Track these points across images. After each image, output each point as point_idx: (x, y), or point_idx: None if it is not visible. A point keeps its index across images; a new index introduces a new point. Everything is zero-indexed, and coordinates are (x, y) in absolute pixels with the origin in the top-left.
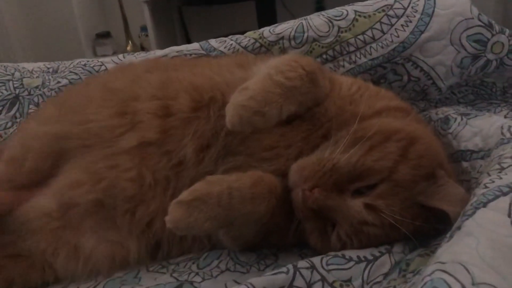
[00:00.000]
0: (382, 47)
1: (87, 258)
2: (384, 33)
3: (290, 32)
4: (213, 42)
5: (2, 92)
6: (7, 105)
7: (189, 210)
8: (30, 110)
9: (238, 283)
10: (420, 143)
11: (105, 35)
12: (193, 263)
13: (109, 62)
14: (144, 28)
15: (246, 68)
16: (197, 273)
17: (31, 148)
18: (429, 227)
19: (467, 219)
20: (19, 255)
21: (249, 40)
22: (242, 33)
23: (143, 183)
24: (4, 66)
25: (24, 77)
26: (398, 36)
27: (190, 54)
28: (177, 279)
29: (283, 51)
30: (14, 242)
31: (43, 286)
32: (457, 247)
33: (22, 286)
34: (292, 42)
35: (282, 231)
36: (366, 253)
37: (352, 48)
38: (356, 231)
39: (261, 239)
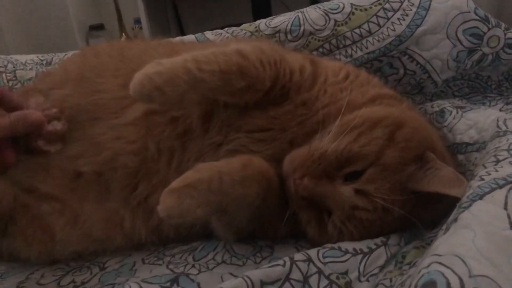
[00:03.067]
0: (378, 41)
1: (83, 223)
2: (380, 27)
3: (287, 26)
4: (209, 34)
5: None
6: None
7: (181, 197)
8: None
9: (235, 276)
10: (408, 126)
11: (99, 27)
12: (189, 254)
13: None
14: (138, 21)
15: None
16: (193, 265)
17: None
18: (425, 213)
19: (463, 211)
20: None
21: (245, 33)
22: (237, 25)
23: (146, 156)
24: None
25: (17, 69)
26: (394, 30)
27: None
28: (173, 271)
29: (279, 44)
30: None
31: (39, 268)
32: (454, 240)
33: (22, 244)
34: (289, 36)
35: (276, 220)
36: (362, 245)
37: (348, 42)
38: (349, 217)
39: (255, 229)
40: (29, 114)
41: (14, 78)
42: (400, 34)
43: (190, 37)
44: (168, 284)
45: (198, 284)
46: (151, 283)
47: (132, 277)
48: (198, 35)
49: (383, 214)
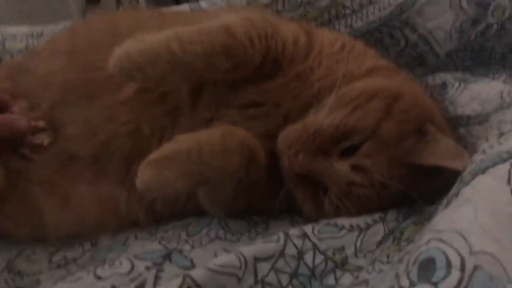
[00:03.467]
0: (379, 10)
1: (76, 207)
2: None
3: None
4: (203, 3)
5: None
6: None
7: (159, 169)
8: None
9: (228, 252)
10: (406, 98)
11: (95, 0)
12: (182, 230)
13: None
14: None
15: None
16: (186, 241)
17: (39, 97)
18: (424, 187)
19: (464, 186)
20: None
21: (241, 2)
22: None
23: (140, 136)
24: None
25: (7, 41)
26: None
27: None
28: (166, 247)
29: (276, 14)
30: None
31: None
32: (454, 215)
33: (11, 225)
34: (286, 5)
35: (271, 197)
36: (359, 221)
37: (348, 11)
38: (345, 193)
39: (246, 204)
40: (15, 120)
41: (3, 50)
42: (402, 3)
43: (184, 7)
44: (160, 260)
45: (191, 260)
46: (143, 259)
47: (124, 253)
48: (192, 4)
49: (381, 189)
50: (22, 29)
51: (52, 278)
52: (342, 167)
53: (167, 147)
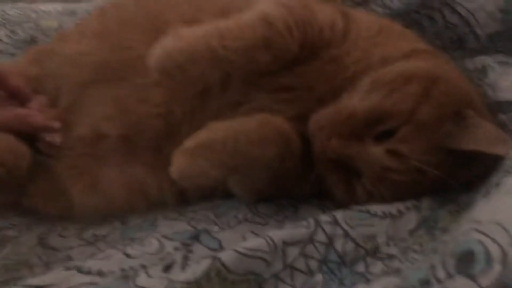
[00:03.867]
0: None
1: (104, 189)
2: None
3: None
4: None
5: (18, 34)
6: (23, 47)
7: (194, 158)
8: None
9: (256, 234)
10: (444, 81)
11: None
12: (211, 211)
13: None
14: None
15: None
16: (214, 222)
17: (65, 76)
18: (462, 174)
19: (506, 175)
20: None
21: None
22: None
23: (171, 118)
24: (21, 8)
25: (41, 19)
26: None
27: None
28: (195, 228)
29: None
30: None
31: (61, 221)
32: (495, 206)
33: (41, 203)
34: None
35: (300, 181)
36: (391, 208)
37: None
38: (380, 179)
39: (276, 189)
40: (31, 116)
41: (37, 28)
42: None
43: None
44: (189, 241)
45: (219, 242)
46: (172, 239)
47: (153, 232)
48: None
49: (417, 175)
50: (56, 7)
51: (83, 254)
52: (377, 151)
53: (202, 135)
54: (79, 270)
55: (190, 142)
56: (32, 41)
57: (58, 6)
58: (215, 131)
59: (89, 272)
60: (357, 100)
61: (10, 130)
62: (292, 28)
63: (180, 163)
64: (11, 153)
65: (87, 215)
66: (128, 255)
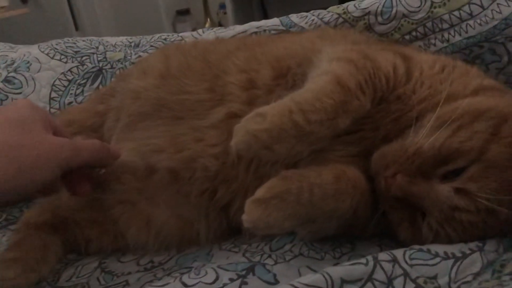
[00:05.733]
0: (480, 24)
1: (158, 232)
2: (484, 9)
3: (377, 7)
4: (294, 17)
5: (87, 65)
6: (91, 77)
7: (268, 209)
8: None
9: (312, 270)
10: None
11: (185, 12)
12: (266, 244)
13: (189, 37)
14: (222, 6)
15: (327, 40)
16: (269, 255)
17: (126, 107)
18: None
19: None
20: (94, 220)
21: (332, 15)
22: (323, 8)
23: (227, 160)
24: (90, 40)
25: (108, 51)
26: (500, 12)
27: (270, 30)
28: (250, 260)
29: (368, 27)
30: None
31: (117, 251)
32: None
33: (98, 247)
34: (379, 18)
35: (364, 223)
36: (454, 249)
37: (445, 25)
38: (447, 218)
39: (342, 233)
40: (114, 151)
41: (104, 59)
42: (507, 17)
43: (274, 21)
44: (244, 273)
45: (274, 275)
46: (227, 270)
47: (209, 263)
48: (283, 18)
49: (487, 216)
50: (121, 40)
51: (140, 281)
52: (445, 190)
53: (275, 185)
54: None
55: (263, 191)
56: (99, 71)
57: (123, 39)
58: (289, 181)
59: None
60: (423, 137)
61: (91, 160)
62: (363, 86)
63: (253, 213)
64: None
65: (140, 250)
66: (184, 284)
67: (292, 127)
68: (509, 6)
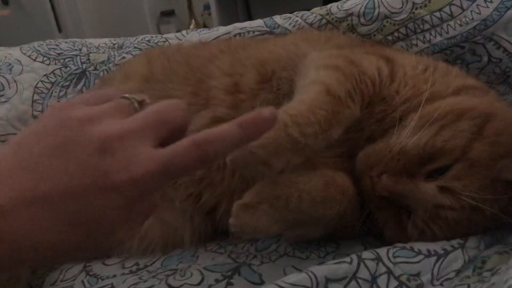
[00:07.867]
0: (460, 25)
1: (142, 238)
2: (463, 10)
3: (360, 8)
4: (278, 18)
5: (70, 67)
6: (74, 80)
7: (256, 214)
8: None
9: (298, 269)
10: (498, 119)
11: (169, 13)
12: (251, 245)
13: (173, 38)
14: (207, 7)
15: (311, 43)
16: (255, 256)
17: None
18: None
19: None
20: None
21: (315, 16)
22: (307, 10)
23: (213, 165)
24: (73, 42)
25: (91, 53)
26: (479, 13)
27: (254, 32)
28: (235, 261)
29: (351, 28)
30: None
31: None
32: None
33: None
34: (362, 19)
35: (350, 226)
36: (436, 247)
37: (427, 26)
38: (433, 217)
39: (328, 234)
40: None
41: (87, 61)
42: (487, 18)
43: (258, 22)
44: (229, 273)
45: (260, 275)
46: (212, 271)
47: (194, 264)
48: (267, 19)
49: (472, 213)
50: (105, 41)
51: (125, 283)
52: (429, 189)
53: (264, 189)
54: None
55: (251, 196)
56: (83, 73)
57: (107, 41)
58: (278, 186)
59: None
60: (407, 137)
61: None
62: (352, 94)
63: (241, 218)
64: None
65: (125, 254)
66: (170, 286)
67: (288, 141)
68: (488, 7)
